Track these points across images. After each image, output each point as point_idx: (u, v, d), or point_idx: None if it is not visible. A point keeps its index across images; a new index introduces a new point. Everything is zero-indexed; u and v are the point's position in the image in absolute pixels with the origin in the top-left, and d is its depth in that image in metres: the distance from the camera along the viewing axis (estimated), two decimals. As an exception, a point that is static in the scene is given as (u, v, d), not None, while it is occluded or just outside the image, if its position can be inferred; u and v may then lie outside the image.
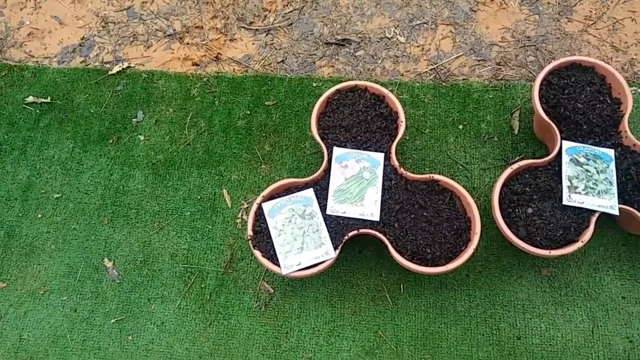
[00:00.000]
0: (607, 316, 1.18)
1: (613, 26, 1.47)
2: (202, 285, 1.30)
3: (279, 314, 1.26)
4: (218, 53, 1.56)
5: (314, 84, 1.48)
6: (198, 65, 1.56)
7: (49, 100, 1.54)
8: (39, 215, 1.41)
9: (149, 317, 1.28)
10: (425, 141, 1.38)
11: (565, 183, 1.13)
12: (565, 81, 1.23)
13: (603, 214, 1.15)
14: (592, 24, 1.48)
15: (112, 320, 1.29)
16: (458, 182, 1.20)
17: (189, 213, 1.37)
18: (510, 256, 1.25)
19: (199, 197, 1.39)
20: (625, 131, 1.18)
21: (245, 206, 1.36)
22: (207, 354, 1.24)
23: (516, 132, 1.37)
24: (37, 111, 1.54)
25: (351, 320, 1.24)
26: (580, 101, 1.20)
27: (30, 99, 1.54)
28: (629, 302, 1.19)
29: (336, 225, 1.15)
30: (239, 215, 1.36)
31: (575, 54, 1.44)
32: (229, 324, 1.26)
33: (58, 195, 1.43)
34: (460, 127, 1.39)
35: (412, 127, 1.40)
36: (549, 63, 1.28)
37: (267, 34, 1.58)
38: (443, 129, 1.39)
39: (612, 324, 1.18)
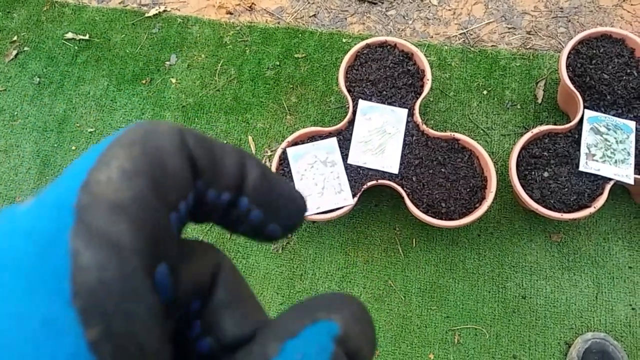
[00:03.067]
0: (612, 284, 1.22)
1: (648, 2, 1.46)
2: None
3: (295, 257, 1.31)
4: (252, 3, 1.59)
5: (344, 40, 1.50)
6: (232, 14, 1.59)
7: (87, 37, 1.59)
8: (73, 147, 1.48)
9: (171, 251, 1.35)
10: (449, 104, 1.41)
11: (583, 150, 1.15)
12: (594, 51, 1.24)
13: (618, 186, 1.17)
14: (627, -1, 1.47)
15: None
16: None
17: (214, 156, 1.42)
18: (523, 220, 1.29)
19: (225, 141, 1.43)
20: (649, 104, 1.19)
21: (269, 153, 1.41)
22: (224, 288, 1.30)
23: (540, 101, 1.39)
24: (76, 47, 1.59)
25: (363, 269, 1.29)
26: (606, 72, 1.22)
27: (70, 35, 1.60)
28: (635, 272, 1.22)
29: (356, 175, 1.20)
30: (263, 162, 1.40)
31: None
32: (247, 262, 1.32)
33: (92, 130, 1.49)
34: (485, 92, 1.41)
35: (437, 89, 1.42)
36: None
37: (301, -12, 1.60)
38: (467, 93, 1.42)
39: (616, 291, 1.21)
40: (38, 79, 1.56)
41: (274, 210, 0.19)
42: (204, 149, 0.17)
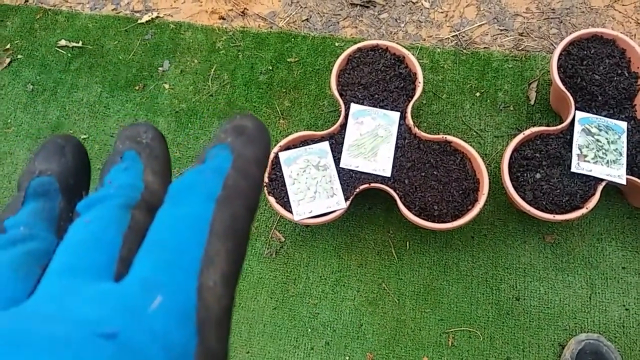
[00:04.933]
0: (605, 284, 1.22)
1: (640, 3, 1.47)
2: (217, 230, 1.36)
3: (289, 261, 1.31)
4: (245, 8, 1.59)
5: (336, 44, 1.51)
6: (224, 19, 1.59)
7: (80, 44, 1.60)
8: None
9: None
10: (442, 106, 1.41)
11: (575, 151, 1.15)
12: (585, 52, 1.24)
13: (611, 186, 1.17)
14: (618, 0, 1.48)
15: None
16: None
17: (208, 161, 1.42)
18: (516, 222, 1.29)
19: (218, 146, 1.44)
20: (640, 105, 1.20)
21: (263, 158, 1.41)
22: (218, 293, 1.30)
23: (532, 102, 1.39)
24: (69, 55, 1.59)
25: (357, 272, 1.29)
26: (598, 73, 1.22)
27: (63, 42, 1.60)
28: (628, 272, 1.22)
29: (348, 178, 1.20)
30: (256, 166, 1.40)
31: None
32: (240, 267, 1.32)
33: (85, 136, 1.49)
34: (478, 94, 1.41)
35: (429, 92, 1.43)
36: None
37: (293, -7, 1.60)
38: (460, 95, 1.42)
39: (610, 292, 1.21)
40: (31, 87, 1.57)
41: None
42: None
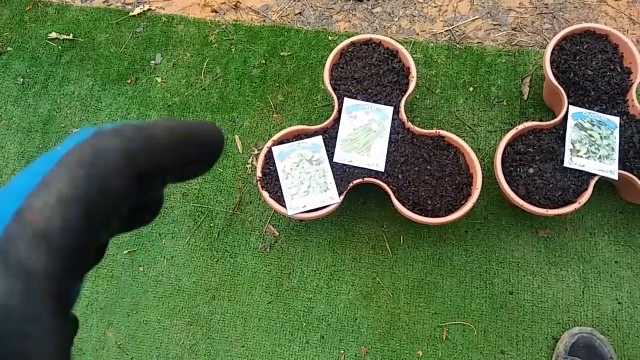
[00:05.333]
0: (599, 278, 1.23)
1: (632, -2, 1.47)
2: (211, 225, 1.35)
3: (283, 256, 1.31)
4: (237, 1, 1.58)
5: (330, 38, 1.50)
6: (217, 12, 1.58)
7: (71, 37, 1.58)
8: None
9: (159, 251, 1.34)
10: (436, 101, 1.41)
11: (568, 146, 1.16)
12: (578, 47, 1.24)
13: (604, 181, 1.18)
14: (611, -5, 1.48)
15: (125, 252, 1.35)
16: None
17: (201, 156, 1.42)
18: (510, 216, 1.29)
19: (211, 141, 1.43)
20: (633, 100, 1.20)
21: (256, 152, 1.40)
22: (214, 288, 1.30)
23: (526, 97, 1.39)
24: (60, 48, 1.57)
25: (351, 267, 1.29)
26: (590, 68, 1.22)
27: (54, 35, 1.58)
28: (621, 266, 1.23)
29: (342, 173, 1.19)
30: (250, 161, 1.40)
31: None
32: (235, 262, 1.31)
33: (77, 130, 1.48)
34: (471, 89, 1.41)
35: (423, 87, 1.42)
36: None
37: (287, -14, 1.59)
38: (454, 90, 1.42)
39: (603, 286, 1.22)
40: (22, 80, 1.55)
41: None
42: (157, 162, 0.18)
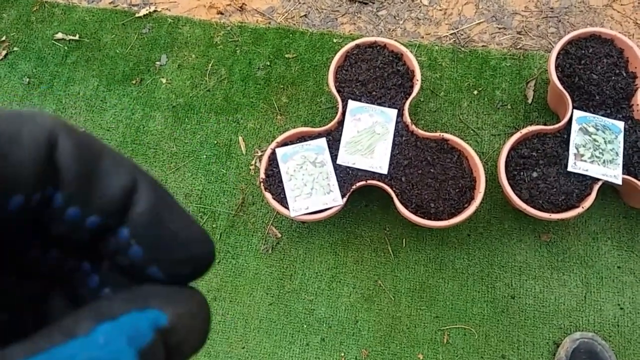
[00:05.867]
0: (601, 283, 1.22)
1: (638, 3, 1.47)
2: (214, 225, 1.35)
3: (285, 257, 1.31)
4: (243, 3, 1.59)
5: (335, 40, 1.50)
6: (223, 14, 1.59)
7: (77, 38, 1.59)
8: None
9: (161, 251, 1.34)
10: (440, 104, 1.41)
11: (572, 150, 1.16)
12: (583, 51, 1.24)
13: (607, 186, 1.17)
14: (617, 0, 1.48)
15: (126, 251, 1.35)
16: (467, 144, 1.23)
17: (204, 156, 1.42)
18: (512, 220, 1.29)
19: (215, 142, 1.43)
20: (637, 105, 1.19)
21: (259, 154, 1.41)
22: (215, 289, 1.30)
23: (530, 101, 1.39)
24: (65, 48, 1.58)
25: (353, 269, 1.29)
26: (595, 72, 1.22)
27: (60, 35, 1.59)
28: (623, 271, 1.23)
29: (345, 175, 1.20)
30: (253, 162, 1.40)
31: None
32: (237, 263, 1.32)
33: (82, 130, 1.48)
34: (475, 92, 1.41)
35: (427, 90, 1.42)
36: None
37: (292, -12, 1.60)
38: (458, 93, 1.42)
39: (605, 291, 1.22)
40: (27, 79, 1.56)
41: (158, 252, 0.17)
42: (80, 160, 0.15)
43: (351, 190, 1.18)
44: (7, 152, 0.14)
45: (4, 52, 1.59)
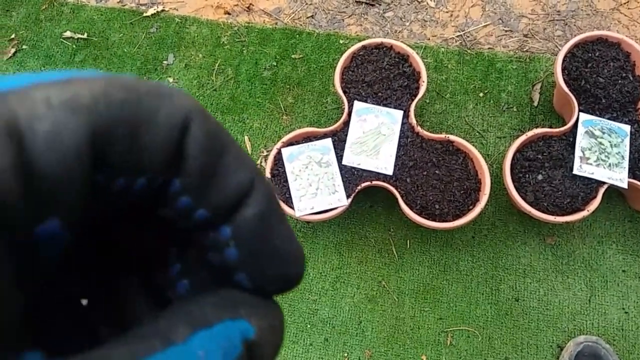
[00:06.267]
0: (605, 287, 1.22)
1: (646, 6, 1.47)
2: (218, 224, 1.36)
3: (289, 257, 1.31)
4: (250, 4, 1.59)
5: (341, 41, 1.51)
6: (230, 14, 1.59)
7: (85, 36, 1.60)
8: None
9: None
10: (445, 106, 1.41)
11: (577, 153, 1.15)
12: (590, 55, 1.24)
13: (613, 189, 1.17)
14: (624, 3, 1.47)
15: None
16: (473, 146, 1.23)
17: (210, 156, 1.43)
18: (517, 223, 1.29)
19: (221, 141, 1.44)
20: (644, 108, 1.20)
21: (265, 154, 1.41)
22: (218, 287, 1.30)
23: (536, 104, 1.39)
24: (74, 46, 1.59)
25: (357, 269, 1.29)
26: (602, 76, 1.22)
27: (68, 34, 1.60)
28: (628, 275, 1.22)
29: (350, 176, 1.20)
30: (258, 162, 1.41)
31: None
32: (240, 262, 1.32)
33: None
34: (481, 94, 1.41)
35: (433, 91, 1.43)
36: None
37: (299, -11, 1.60)
38: (463, 95, 1.42)
39: (609, 295, 1.21)
40: (36, 77, 1.57)
41: (253, 260, 0.16)
42: (208, 151, 0.15)
43: (356, 190, 1.18)
44: (143, 132, 0.14)
45: (12, 50, 1.60)
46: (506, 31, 1.49)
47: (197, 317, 0.15)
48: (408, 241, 1.30)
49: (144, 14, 1.61)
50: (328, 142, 1.22)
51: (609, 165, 1.14)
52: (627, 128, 1.18)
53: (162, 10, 1.61)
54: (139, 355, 0.13)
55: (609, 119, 1.20)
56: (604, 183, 1.13)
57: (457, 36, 1.49)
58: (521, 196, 1.15)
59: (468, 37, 1.49)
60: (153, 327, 0.14)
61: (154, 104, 0.14)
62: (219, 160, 0.15)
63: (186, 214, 0.15)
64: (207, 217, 0.15)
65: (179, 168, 0.15)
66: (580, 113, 1.19)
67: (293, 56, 1.51)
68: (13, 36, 1.63)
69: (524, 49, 1.46)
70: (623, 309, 1.20)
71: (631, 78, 1.22)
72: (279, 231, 0.16)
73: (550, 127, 1.34)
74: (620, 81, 1.21)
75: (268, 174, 1.21)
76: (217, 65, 1.52)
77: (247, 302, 0.16)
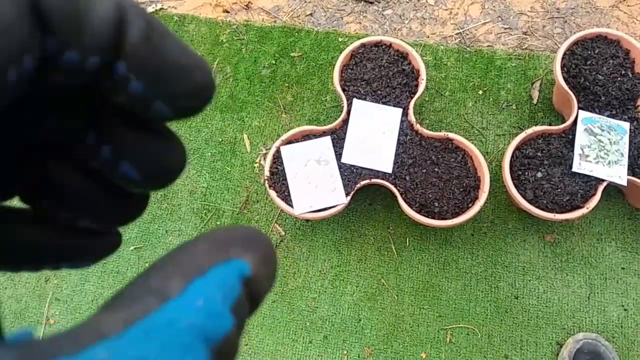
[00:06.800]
0: (604, 284, 1.22)
1: (645, 4, 1.46)
2: (218, 223, 1.36)
3: (289, 255, 1.31)
4: (249, 2, 1.59)
5: (340, 39, 1.50)
6: (228, 12, 1.59)
7: (83, 35, 1.60)
8: None
9: (165, 248, 1.35)
10: (445, 104, 1.41)
11: (577, 151, 1.15)
12: (589, 52, 1.24)
13: (612, 187, 1.17)
14: (624, 0, 1.47)
15: (132, 248, 1.36)
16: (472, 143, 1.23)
17: (209, 154, 1.43)
18: (516, 220, 1.29)
19: (220, 139, 1.44)
20: (643, 106, 1.19)
21: (264, 152, 1.41)
22: (218, 286, 1.30)
23: (535, 101, 1.39)
24: (72, 45, 1.59)
25: (356, 267, 1.29)
26: (601, 73, 1.22)
27: (66, 32, 1.60)
28: (627, 273, 1.22)
29: (349, 174, 1.20)
30: (257, 160, 1.41)
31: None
32: (240, 260, 1.32)
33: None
34: (480, 92, 1.41)
35: (432, 89, 1.42)
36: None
37: (298, -13, 1.60)
38: (463, 93, 1.42)
39: (609, 292, 1.21)
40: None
41: (160, 83, 0.15)
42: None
43: (355, 188, 1.18)
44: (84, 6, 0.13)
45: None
46: (505, 29, 1.49)
47: (188, 266, 0.15)
48: (407, 239, 1.30)
49: (143, 12, 1.60)
50: (327, 140, 1.22)
51: (608, 162, 1.14)
52: (626, 125, 1.18)
53: (161, 9, 1.61)
54: (135, 319, 0.13)
55: (608, 116, 1.20)
56: (603, 180, 1.13)
57: (457, 34, 1.49)
58: (520, 194, 1.15)
59: (467, 34, 1.49)
60: (145, 285, 0.14)
61: None
62: (76, 3, 0.14)
63: (77, 70, 0.14)
64: (99, 63, 0.14)
65: (46, 27, 0.14)
66: (580, 110, 1.19)
67: (292, 54, 1.51)
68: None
69: (523, 47, 1.46)
70: (622, 306, 1.20)
71: (630, 75, 1.22)
72: (170, 46, 0.15)
73: (550, 124, 1.34)
74: (619, 78, 1.21)
75: (267, 172, 1.21)
76: (215, 63, 1.52)
77: (235, 237, 0.16)
